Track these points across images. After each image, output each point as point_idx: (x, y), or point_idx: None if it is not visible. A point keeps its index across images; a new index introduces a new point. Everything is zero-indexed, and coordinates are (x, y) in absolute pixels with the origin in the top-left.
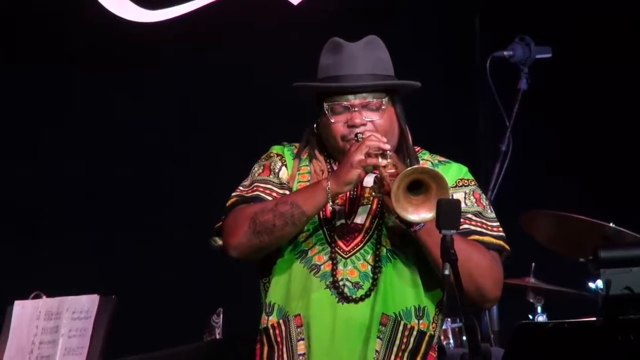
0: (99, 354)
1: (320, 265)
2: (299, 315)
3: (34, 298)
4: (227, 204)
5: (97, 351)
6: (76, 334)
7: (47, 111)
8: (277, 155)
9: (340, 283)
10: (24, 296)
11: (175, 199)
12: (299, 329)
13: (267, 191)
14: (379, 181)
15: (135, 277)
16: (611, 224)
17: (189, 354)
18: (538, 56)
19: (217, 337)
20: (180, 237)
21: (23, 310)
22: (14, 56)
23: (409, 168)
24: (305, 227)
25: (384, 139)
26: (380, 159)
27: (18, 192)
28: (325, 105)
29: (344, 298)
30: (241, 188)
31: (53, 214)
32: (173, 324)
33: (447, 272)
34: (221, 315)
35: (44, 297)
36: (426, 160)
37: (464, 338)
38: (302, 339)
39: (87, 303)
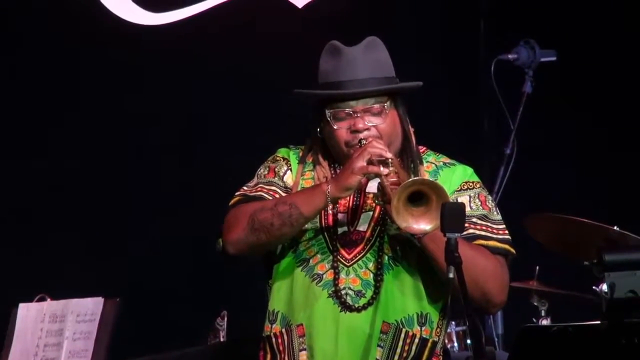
0: (103, 357)
1: (322, 275)
2: (302, 325)
3: (38, 301)
4: (230, 203)
5: (102, 354)
6: (81, 336)
7: (50, 110)
8: (284, 159)
9: (343, 292)
10: (28, 299)
11: (180, 202)
12: (301, 339)
13: (271, 192)
14: (381, 188)
15: (140, 279)
16: (615, 227)
17: (193, 356)
18: (543, 59)
19: (222, 339)
20: (185, 239)
21: (28, 313)
22: (15, 58)
23: (409, 180)
24: (307, 235)
25: (385, 148)
26: (381, 167)
27: (22, 193)
28: (327, 112)
29: (346, 307)
30: (245, 188)
31: (58, 215)
32: (177, 326)
33: (451, 275)
34: (225, 318)
35: (49, 299)
36: (431, 162)
37: (468, 341)
38: (304, 349)
39: (92, 306)
